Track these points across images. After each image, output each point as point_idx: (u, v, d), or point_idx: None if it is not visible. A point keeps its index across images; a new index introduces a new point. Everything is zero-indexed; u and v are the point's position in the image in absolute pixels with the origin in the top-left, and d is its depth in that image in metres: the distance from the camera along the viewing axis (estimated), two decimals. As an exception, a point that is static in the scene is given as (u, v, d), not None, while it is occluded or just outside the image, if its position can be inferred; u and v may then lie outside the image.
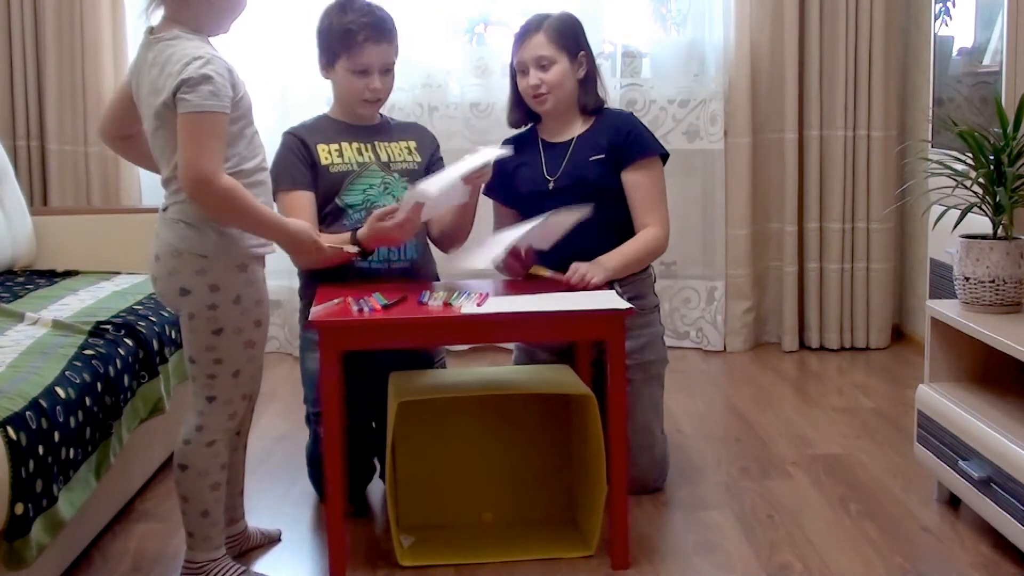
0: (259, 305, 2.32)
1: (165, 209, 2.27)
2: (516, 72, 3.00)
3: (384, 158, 2.89)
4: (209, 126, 2.15)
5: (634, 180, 2.95)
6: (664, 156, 3.01)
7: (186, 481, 2.34)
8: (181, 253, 2.23)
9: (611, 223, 2.94)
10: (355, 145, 2.89)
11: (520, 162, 3.01)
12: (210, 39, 2.26)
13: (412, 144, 2.96)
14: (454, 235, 2.94)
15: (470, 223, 2.93)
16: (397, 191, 2.85)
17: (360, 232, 2.67)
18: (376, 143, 2.91)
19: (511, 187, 3.02)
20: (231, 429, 2.37)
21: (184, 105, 2.13)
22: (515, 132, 3.11)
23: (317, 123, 2.94)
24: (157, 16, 2.25)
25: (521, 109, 3.06)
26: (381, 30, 2.81)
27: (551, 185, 2.96)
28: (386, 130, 2.95)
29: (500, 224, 3.07)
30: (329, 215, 2.83)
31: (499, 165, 2.92)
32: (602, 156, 2.95)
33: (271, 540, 2.67)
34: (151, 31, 2.25)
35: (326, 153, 2.86)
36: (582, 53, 2.99)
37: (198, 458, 2.33)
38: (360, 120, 2.92)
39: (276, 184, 2.81)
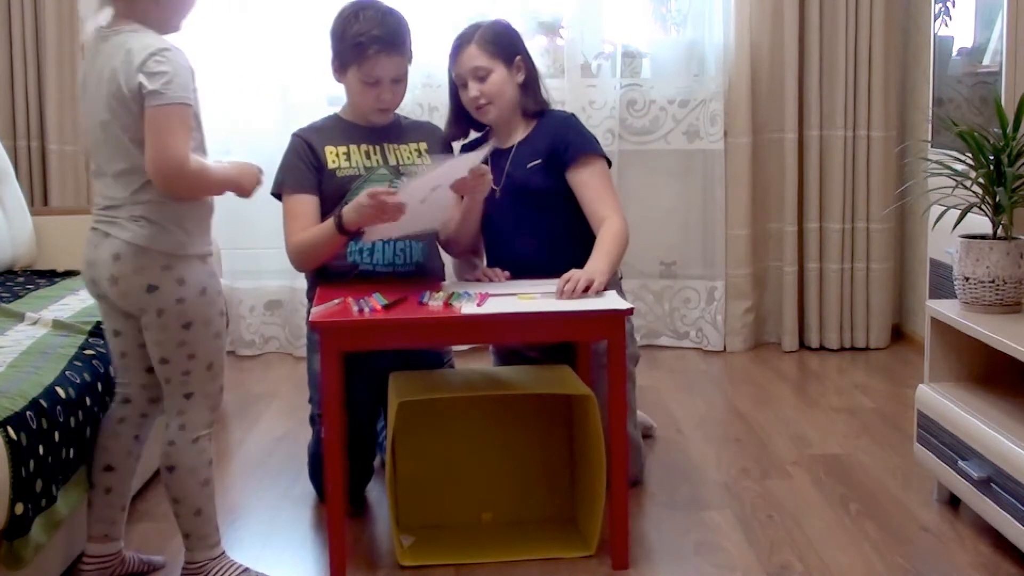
0: (220, 296, 2.31)
1: (114, 207, 2.23)
2: (456, 86, 2.99)
3: (393, 161, 2.88)
4: (179, 117, 2.13)
5: (580, 178, 2.92)
6: (607, 160, 2.98)
7: (175, 482, 2.33)
8: (147, 250, 2.21)
9: (555, 229, 2.93)
10: (363, 148, 2.88)
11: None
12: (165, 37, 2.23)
13: (423, 146, 2.94)
14: (458, 239, 2.94)
15: (475, 227, 2.93)
16: None
17: (346, 207, 2.66)
18: (385, 145, 2.90)
19: None
20: (212, 422, 2.35)
21: (155, 98, 2.11)
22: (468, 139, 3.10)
23: (326, 124, 2.93)
24: (105, 15, 2.22)
25: (460, 122, 3.04)
26: (392, 43, 2.77)
27: (496, 193, 2.95)
28: (396, 131, 2.93)
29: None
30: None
31: None
32: (539, 162, 2.93)
33: (152, 567, 2.52)
34: (102, 28, 2.22)
35: (333, 156, 2.85)
36: (519, 58, 2.96)
37: (185, 457, 2.31)
38: (371, 123, 2.91)
39: (281, 185, 2.84)
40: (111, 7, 2.22)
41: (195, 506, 2.34)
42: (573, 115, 3.08)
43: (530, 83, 2.99)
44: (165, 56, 2.13)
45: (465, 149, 3.07)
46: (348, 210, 2.65)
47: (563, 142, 2.94)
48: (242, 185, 2.32)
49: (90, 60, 2.24)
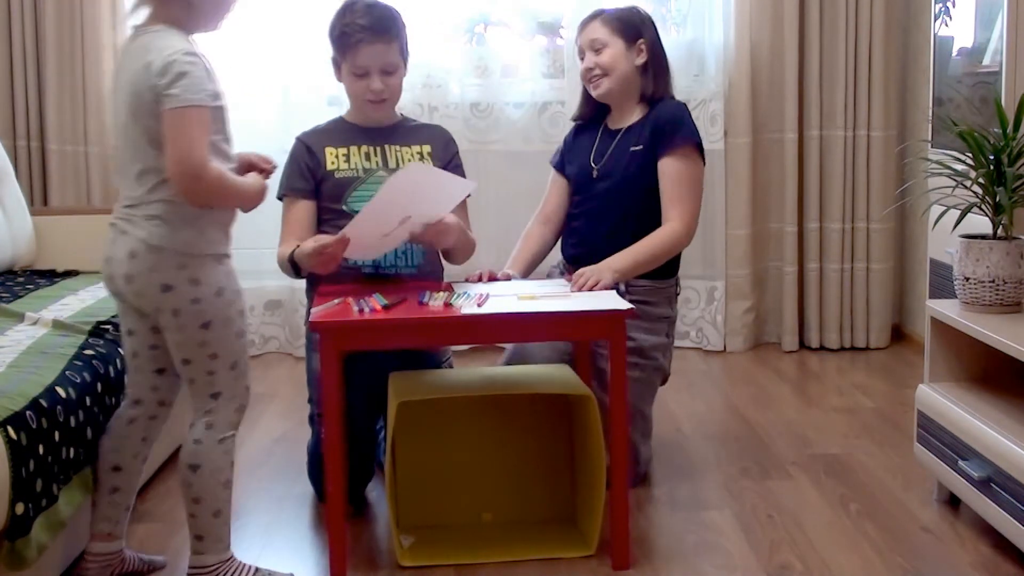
0: (239, 296, 2.31)
1: (133, 206, 2.23)
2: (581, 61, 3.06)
3: (392, 164, 2.87)
4: (196, 119, 2.14)
5: (667, 169, 2.94)
6: (700, 146, 2.98)
7: (199, 481, 2.30)
8: (162, 249, 2.21)
9: (640, 217, 2.95)
10: (364, 149, 2.87)
11: (583, 142, 3.09)
12: (197, 35, 2.25)
13: (427, 149, 2.92)
14: (455, 251, 2.91)
15: (469, 242, 2.89)
16: None
17: (298, 252, 2.67)
18: (386, 147, 2.88)
19: (568, 163, 3.12)
20: (238, 422, 2.35)
21: (171, 100, 2.12)
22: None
23: (329, 126, 2.94)
24: (141, 15, 2.24)
25: (586, 102, 3.10)
26: (375, 31, 2.76)
27: (595, 172, 3.01)
28: (401, 132, 2.91)
29: (550, 193, 3.15)
30: (331, 218, 2.83)
31: (568, 138, 3.15)
32: (640, 147, 2.97)
33: (152, 567, 2.50)
34: (136, 28, 2.25)
35: (333, 157, 2.85)
36: (642, 40, 3.00)
37: (211, 457, 2.30)
38: (372, 122, 2.89)
39: (281, 188, 2.87)
40: (147, 7, 2.23)
41: (215, 507, 2.32)
42: (684, 104, 3.08)
43: (652, 68, 3.02)
44: (182, 59, 2.14)
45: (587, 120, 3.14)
46: (299, 255, 2.67)
47: (665, 126, 2.96)
48: (248, 204, 2.32)
49: (120, 61, 2.27)
